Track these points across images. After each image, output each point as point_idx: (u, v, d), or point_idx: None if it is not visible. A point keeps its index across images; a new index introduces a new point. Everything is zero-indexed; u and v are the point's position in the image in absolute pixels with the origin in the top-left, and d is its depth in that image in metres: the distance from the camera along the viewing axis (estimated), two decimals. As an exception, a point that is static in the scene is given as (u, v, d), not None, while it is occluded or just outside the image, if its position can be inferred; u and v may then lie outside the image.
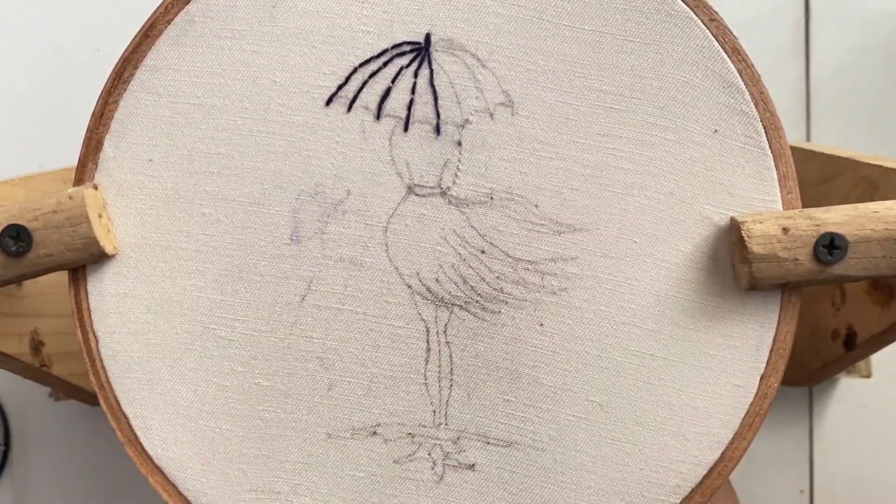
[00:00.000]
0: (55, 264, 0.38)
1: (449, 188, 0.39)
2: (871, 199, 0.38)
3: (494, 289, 0.39)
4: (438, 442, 0.40)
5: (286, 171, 0.39)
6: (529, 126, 0.39)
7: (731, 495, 0.50)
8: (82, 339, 0.40)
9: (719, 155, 0.39)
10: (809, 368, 0.58)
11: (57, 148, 0.58)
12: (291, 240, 0.39)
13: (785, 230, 0.37)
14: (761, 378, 0.39)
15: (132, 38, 0.39)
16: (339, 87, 0.39)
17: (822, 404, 0.69)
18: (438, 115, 0.39)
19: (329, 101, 0.39)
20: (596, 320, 0.39)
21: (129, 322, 0.40)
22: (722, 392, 0.39)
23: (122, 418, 0.40)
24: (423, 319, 0.40)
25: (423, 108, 0.39)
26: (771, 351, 0.39)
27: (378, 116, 0.39)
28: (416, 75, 0.39)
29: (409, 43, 0.39)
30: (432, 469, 0.40)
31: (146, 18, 0.39)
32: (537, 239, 0.39)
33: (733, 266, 0.39)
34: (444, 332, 0.40)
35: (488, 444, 0.40)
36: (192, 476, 0.40)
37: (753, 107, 0.39)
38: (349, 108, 0.39)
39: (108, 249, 0.39)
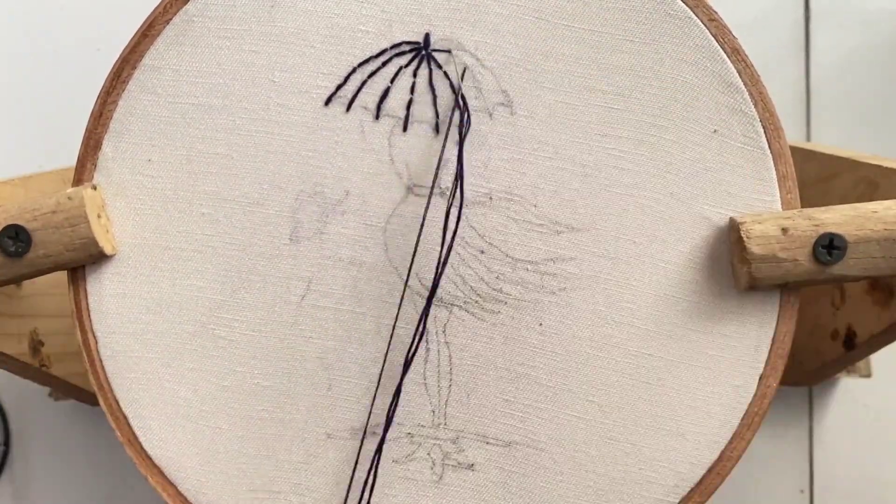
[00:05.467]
0: (54, 264, 0.38)
1: (448, 188, 0.39)
2: (871, 199, 0.38)
3: (493, 289, 0.39)
4: (438, 442, 0.40)
5: (285, 171, 0.39)
6: (528, 126, 0.39)
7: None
8: (82, 339, 0.40)
9: (719, 155, 0.39)
10: (809, 368, 0.58)
11: (57, 148, 0.58)
12: (291, 240, 0.39)
13: (784, 230, 0.37)
14: (760, 378, 0.39)
15: (131, 37, 0.39)
16: (338, 87, 0.39)
17: (822, 404, 0.69)
18: (437, 115, 0.39)
19: (328, 101, 0.39)
20: (595, 320, 0.39)
21: (128, 322, 0.40)
22: (721, 392, 0.39)
23: (122, 418, 0.40)
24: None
25: (422, 107, 0.39)
26: (770, 351, 0.39)
27: (377, 116, 0.39)
28: (415, 75, 0.39)
29: (408, 43, 0.39)
30: (431, 469, 0.40)
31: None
32: (536, 239, 0.39)
33: (732, 266, 0.39)
34: (444, 332, 0.40)
35: (487, 443, 0.40)
36: (192, 475, 0.40)
37: (753, 107, 0.39)
38: (348, 108, 0.39)
39: (107, 250, 0.39)
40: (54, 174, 0.56)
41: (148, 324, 0.40)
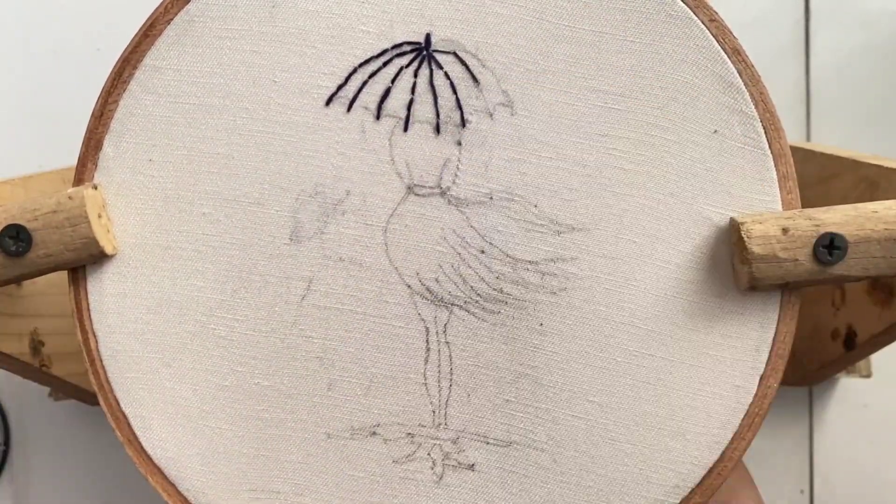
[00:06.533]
0: (55, 264, 0.38)
1: (448, 188, 0.39)
2: (871, 199, 0.38)
3: (494, 289, 0.39)
4: (438, 442, 0.40)
5: (286, 171, 0.39)
6: (529, 126, 0.39)
7: (746, 476, 0.50)
8: (82, 339, 0.40)
9: (719, 155, 0.39)
10: (809, 368, 0.58)
11: (57, 148, 0.58)
12: (291, 240, 0.39)
13: (785, 230, 0.37)
14: (761, 378, 0.39)
15: (132, 37, 0.39)
16: (339, 87, 0.39)
17: (822, 404, 0.69)
18: (438, 115, 0.39)
19: (329, 101, 0.39)
20: (595, 320, 0.39)
21: (128, 322, 0.40)
22: (722, 392, 0.39)
23: (122, 418, 0.40)
24: (422, 319, 0.40)
25: (422, 107, 0.39)
26: (771, 351, 0.39)
27: (378, 116, 0.39)
28: (415, 75, 0.39)
29: (409, 43, 0.39)
30: (432, 469, 0.40)
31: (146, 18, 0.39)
32: (537, 239, 0.39)
33: (733, 266, 0.39)
34: (444, 332, 0.40)
35: (488, 444, 0.40)
36: (192, 476, 0.40)
37: (753, 107, 0.39)
38: (349, 108, 0.39)
39: (108, 249, 0.39)
40: (54, 174, 0.56)
41: (148, 323, 0.40)
